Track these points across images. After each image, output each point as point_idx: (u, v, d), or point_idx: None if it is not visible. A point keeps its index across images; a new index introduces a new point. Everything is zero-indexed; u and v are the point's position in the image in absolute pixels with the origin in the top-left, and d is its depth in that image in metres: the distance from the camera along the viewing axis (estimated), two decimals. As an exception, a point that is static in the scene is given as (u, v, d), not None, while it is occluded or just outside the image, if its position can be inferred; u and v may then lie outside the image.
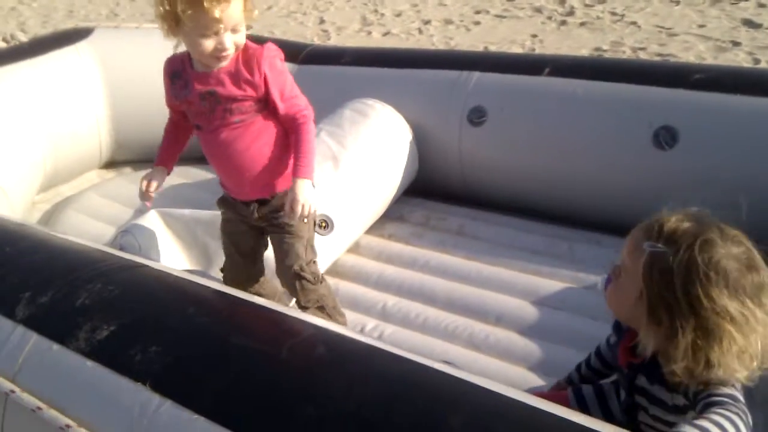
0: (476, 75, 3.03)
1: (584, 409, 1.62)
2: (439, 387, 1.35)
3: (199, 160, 3.74)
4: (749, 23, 5.96)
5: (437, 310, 2.45)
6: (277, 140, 2.03)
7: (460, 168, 3.05)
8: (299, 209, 1.90)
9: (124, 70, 3.63)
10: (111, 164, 3.79)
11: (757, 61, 5.17)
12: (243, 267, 2.27)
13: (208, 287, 1.82)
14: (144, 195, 2.17)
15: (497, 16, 7.03)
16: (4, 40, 3.80)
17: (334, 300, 2.28)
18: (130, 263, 1.96)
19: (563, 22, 6.59)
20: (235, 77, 1.93)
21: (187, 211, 2.63)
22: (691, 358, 1.23)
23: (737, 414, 1.16)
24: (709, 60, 5.30)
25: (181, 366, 1.51)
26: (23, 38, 3.82)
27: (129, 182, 3.53)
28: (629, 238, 1.40)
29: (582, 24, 6.48)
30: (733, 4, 6.52)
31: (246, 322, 1.64)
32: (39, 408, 1.56)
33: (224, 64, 1.92)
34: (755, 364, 1.25)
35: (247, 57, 1.92)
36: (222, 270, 2.33)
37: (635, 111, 2.68)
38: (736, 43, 5.55)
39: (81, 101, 3.54)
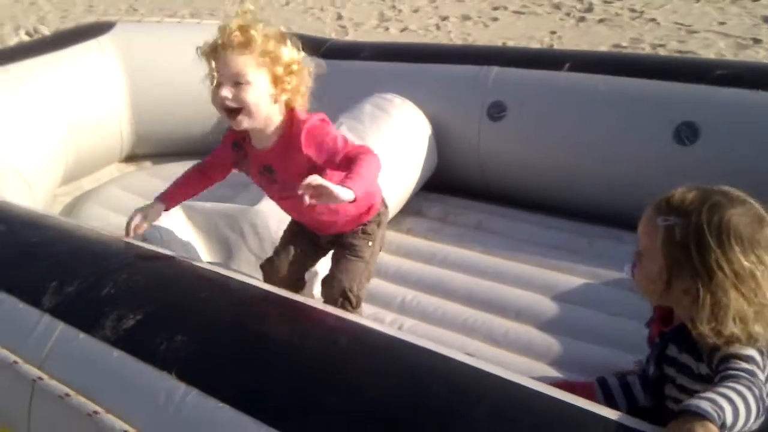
0: (496, 70, 3.03)
1: (609, 398, 1.65)
2: (463, 378, 1.36)
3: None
4: (770, 20, 5.92)
5: (456, 305, 2.46)
6: None
7: (479, 163, 3.05)
8: (314, 184, 1.68)
9: (145, 65, 3.66)
10: (131, 158, 3.82)
11: (777, 58, 5.13)
12: (286, 272, 2.20)
13: (233, 278, 1.84)
14: (131, 231, 2.04)
15: (515, 12, 7.01)
16: (28, 33, 3.84)
17: None
18: (154, 254, 1.99)
19: (582, 19, 6.56)
20: (284, 156, 1.95)
21: (208, 204, 2.65)
22: (715, 319, 1.27)
23: (748, 387, 1.18)
24: (730, 57, 5.26)
25: (207, 355, 1.53)
26: (46, 32, 3.85)
27: (149, 176, 3.57)
28: (642, 220, 1.44)
29: (601, 21, 6.45)
30: (754, 1, 6.47)
31: (271, 312, 1.66)
32: (67, 395, 1.59)
33: (245, 124, 1.91)
34: None
35: (291, 135, 1.93)
36: (263, 266, 2.25)
37: (656, 106, 2.67)
38: (756, 41, 5.51)
39: (102, 95, 3.58)
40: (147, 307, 1.68)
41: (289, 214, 2.21)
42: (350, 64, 3.43)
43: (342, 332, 1.53)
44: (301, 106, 1.96)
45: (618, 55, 4.07)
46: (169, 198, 2.14)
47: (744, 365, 1.24)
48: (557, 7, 6.98)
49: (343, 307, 2.07)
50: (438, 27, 6.80)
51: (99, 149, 3.60)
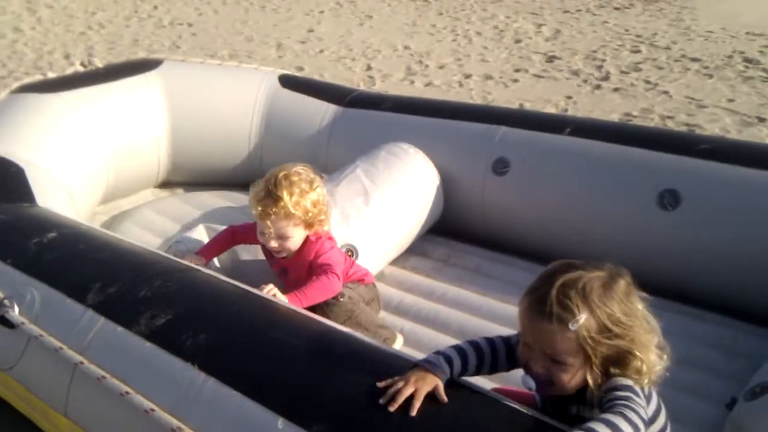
0: (503, 129, 3.33)
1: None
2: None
3: (241, 186, 4.11)
4: (777, 101, 6.20)
5: (449, 338, 2.70)
6: None
7: (482, 212, 3.33)
8: (271, 294, 2.31)
9: (186, 101, 4.00)
10: (166, 184, 4.15)
11: (779, 137, 5.39)
12: None
13: (246, 289, 2.13)
14: None
15: (536, 75, 7.36)
16: (82, 64, 4.22)
17: None
18: (183, 267, 2.29)
19: (598, 86, 6.88)
20: (299, 265, 2.57)
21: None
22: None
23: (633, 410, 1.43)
24: (734, 133, 5.53)
25: (225, 351, 1.81)
26: (99, 63, 4.23)
27: (181, 202, 3.88)
28: (543, 335, 1.54)
29: (615, 89, 6.77)
30: (764, 81, 6.76)
31: (281, 319, 1.94)
32: (103, 377, 1.87)
33: (285, 255, 2.56)
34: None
35: (308, 250, 2.55)
36: None
37: (643, 173, 2.94)
38: (761, 119, 5.78)
39: (145, 125, 3.91)
40: (176, 309, 1.97)
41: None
42: (372, 114, 3.75)
43: (339, 341, 1.81)
44: (326, 228, 2.59)
45: (614, 124, 4.36)
46: (206, 254, 2.71)
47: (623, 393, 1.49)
48: (576, 73, 7.32)
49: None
50: (461, 84, 7.15)
51: (138, 174, 3.93)
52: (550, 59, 7.90)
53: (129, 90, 3.91)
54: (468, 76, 7.36)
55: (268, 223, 2.43)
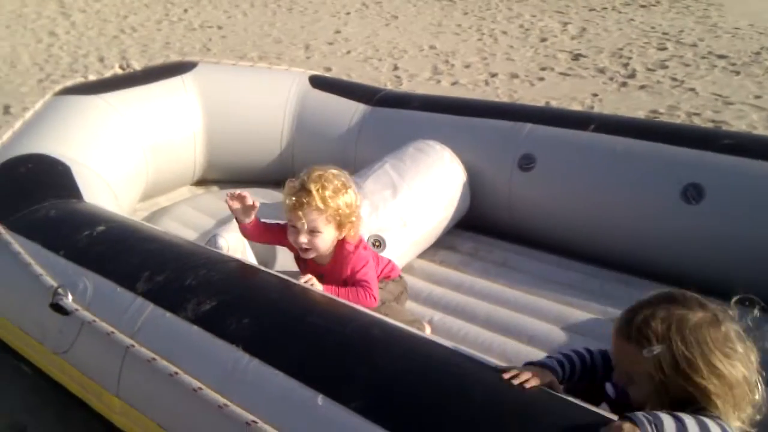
0: (528, 126, 3.42)
1: None
2: (464, 364, 1.73)
3: (274, 183, 4.25)
4: (805, 97, 6.19)
5: (477, 327, 2.80)
6: None
7: (508, 207, 3.42)
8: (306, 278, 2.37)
9: (220, 101, 4.14)
10: (201, 182, 4.30)
11: (806, 133, 5.39)
12: None
13: (283, 278, 2.25)
14: (234, 195, 2.54)
15: (561, 73, 7.41)
16: (121, 67, 4.38)
17: None
18: (225, 257, 2.42)
19: (624, 84, 6.92)
20: (333, 272, 2.53)
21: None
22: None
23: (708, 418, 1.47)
24: (761, 129, 5.55)
25: (267, 334, 1.93)
26: (136, 66, 4.40)
27: (216, 198, 4.02)
28: (622, 353, 1.63)
29: (642, 87, 6.80)
30: (792, 77, 6.76)
31: (318, 305, 2.06)
32: (153, 359, 1.99)
33: (313, 256, 2.48)
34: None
35: (342, 258, 2.51)
36: None
37: (667, 168, 3.02)
38: (789, 115, 5.80)
39: (182, 125, 4.06)
40: (221, 296, 2.09)
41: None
42: (400, 112, 3.86)
43: (374, 325, 1.91)
44: (353, 233, 2.50)
45: (637, 120, 4.42)
46: (259, 221, 2.60)
47: None
48: (602, 71, 7.36)
49: None
50: (486, 83, 7.23)
51: (175, 172, 4.08)
52: (576, 57, 7.95)
53: (166, 91, 4.07)
54: (494, 75, 7.44)
55: (300, 214, 2.38)
